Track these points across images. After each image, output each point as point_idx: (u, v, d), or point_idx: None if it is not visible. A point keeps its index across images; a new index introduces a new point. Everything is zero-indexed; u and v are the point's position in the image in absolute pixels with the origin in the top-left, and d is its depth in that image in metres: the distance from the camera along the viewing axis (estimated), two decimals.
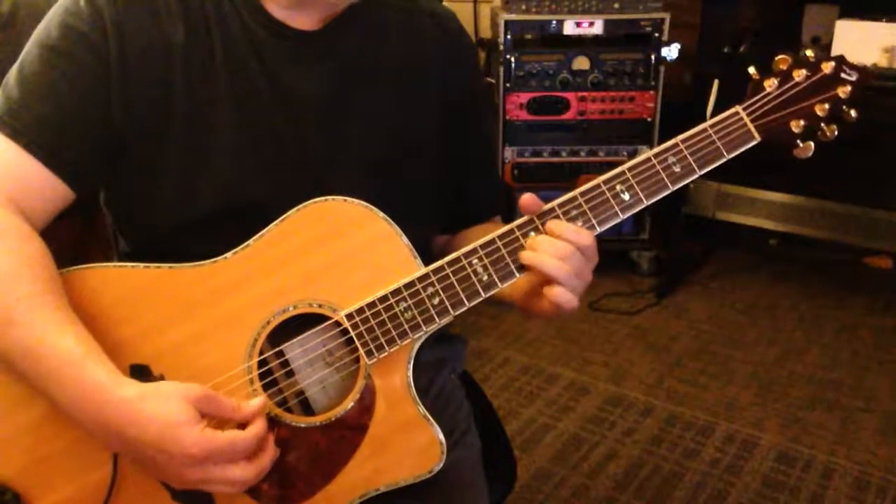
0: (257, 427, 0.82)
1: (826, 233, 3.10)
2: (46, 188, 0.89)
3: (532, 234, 0.90)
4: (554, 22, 2.78)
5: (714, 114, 0.94)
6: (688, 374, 2.48)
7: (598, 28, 2.78)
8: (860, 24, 2.50)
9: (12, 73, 0.91)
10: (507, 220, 0.93)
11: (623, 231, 3.03)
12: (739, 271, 3.18)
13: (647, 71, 2.81)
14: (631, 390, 2.39)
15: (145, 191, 0.94)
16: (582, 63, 2.82)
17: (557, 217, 0.90)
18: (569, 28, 2.79)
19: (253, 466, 0.82)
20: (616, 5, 2.79)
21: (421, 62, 1.02)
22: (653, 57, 2.80)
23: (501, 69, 2.83)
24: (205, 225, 0.93)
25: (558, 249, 0.87)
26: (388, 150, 1.00)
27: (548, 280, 0.87)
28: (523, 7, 2.81)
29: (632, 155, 2.82)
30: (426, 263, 0.90)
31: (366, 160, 0.98)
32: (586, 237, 0.88)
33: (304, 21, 0.96)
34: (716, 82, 2.60)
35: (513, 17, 2.79)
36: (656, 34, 2.78)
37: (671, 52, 2.78)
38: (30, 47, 0.91)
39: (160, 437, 0.77)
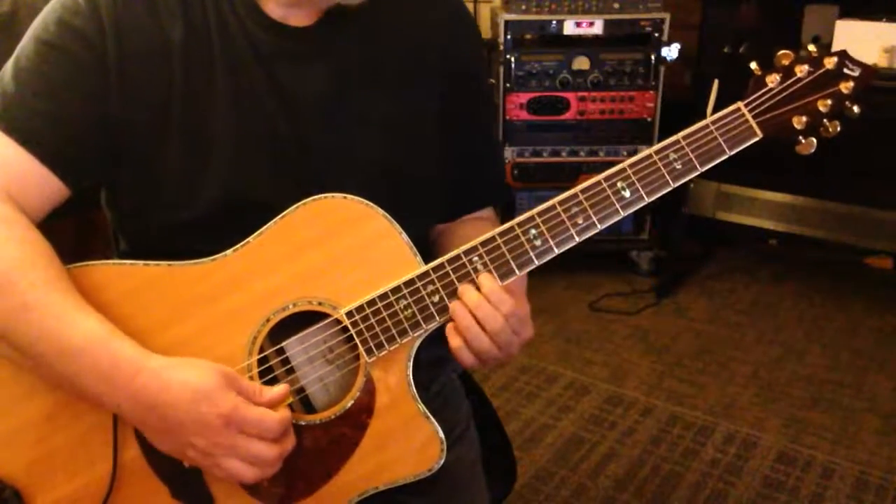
0: (284, 412, 0.84)
1: (826, 233, 3.10)
2: (41, 184, 0.89)
3: (532, 231, 0.89)
4: (554, 22, 2.78)
5: (714, 114, 0.93)
6: (688, 374, 2.48)
7: (598, 28, 2.78)
8: (860, 24, 2.50)
9: (8, 68, 0.90)
10: (507, 220, 0.93)
11: (623, 231, 3.03)
12: (739, 271, 3.18)
13: (647, 71, 2.81)
14: (631, 390, 2.39)
15: (145, 190, 0.94)
16: (582, 63, 2.82)
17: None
18: (569, 28, 2.79)
19: (274, 448, 0.83)
20: (616, 5, 2.79)
21: (420, 48, 1.01)
22: (653, 57, 2.80)
23: (501, 69, 2.83)
24: (204, 224, 0.93)
25: (487, 317, 0.87)
26: (388, 146, 0.99)
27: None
28: (523, 7, 2.81)
29: (632, 155, 2.79)
30: (423, 255, 0.90)
31: (366, 157, 0.98)
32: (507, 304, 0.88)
33: (300, 18, 0.95)
34: (716, 82, 2.59)
35: (513, 17, 2.79)
36: (656, 34, 2.78)
37: (671, 52, 2.78)
38: (26, 42, 0.91)
39: (195, 398, 0.79)
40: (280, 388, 0.85)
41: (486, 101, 1.16)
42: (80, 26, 0.89)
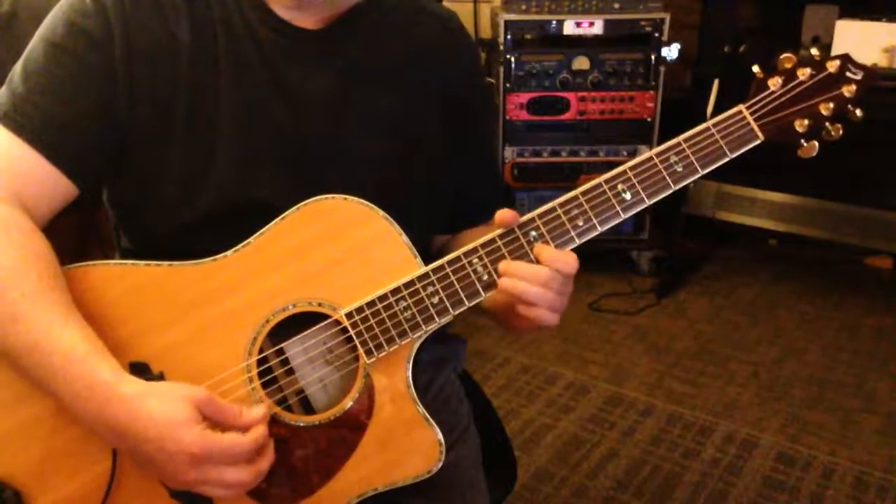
0: (257, 432, 0.82)
1: (826, 233, 3.10)
2: (50, 184, 0.89)
3: (533, 233, 0.89)
4: (554, 22, 2.78)
5: (714, 114, 0.93)
6: (688, 374, 2.48)
7: (598, 28, 2.78)
8: (860, 24, 2.50)
9: (17, 68, 0.91)
10: None
11: (623, 231, 3.02)
12: (739, 271, 3.18)
13: (647, 71, 2.81)
14: (631, 390, 2.39)
15: (148, 188, 0.94)
16: (582, 63, 2.82)
17: (557, 217, 0.90)
18: (569, 28, 2.79)
19: (250, 470, 0.82)
20: (616, 5, 2.79)
21: (423, 61, 1.02)
22: (653, 57, 2.79)
23: (501, 69, 2.83)
24: (207, 223, 0.93)
25: (538, 275, 0.87)
26: (391, 148, 0.99)
27: (527, 303, 0.88)
28: (523, 7, 2.81)
29: (632, 155, 2.81)
30: (426, 263, 0.90)
31: (368, 159, 0.98)
32: (573, 264, 0.88)
33: (307, 20, 0.96)
34: (716, 82, 2.60)
35: (513, 17, 2.79)
36: (656, 34, 2.78)
37: (671, 52, 2.78)
38: (35, 43, 0.91)
39: (160, 435, 0.78)
40: (259, 410, 0.84)
41: (486, 117, 1.17)
42: (87, 27, 0.89)
